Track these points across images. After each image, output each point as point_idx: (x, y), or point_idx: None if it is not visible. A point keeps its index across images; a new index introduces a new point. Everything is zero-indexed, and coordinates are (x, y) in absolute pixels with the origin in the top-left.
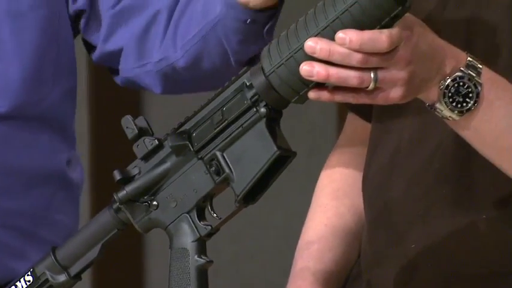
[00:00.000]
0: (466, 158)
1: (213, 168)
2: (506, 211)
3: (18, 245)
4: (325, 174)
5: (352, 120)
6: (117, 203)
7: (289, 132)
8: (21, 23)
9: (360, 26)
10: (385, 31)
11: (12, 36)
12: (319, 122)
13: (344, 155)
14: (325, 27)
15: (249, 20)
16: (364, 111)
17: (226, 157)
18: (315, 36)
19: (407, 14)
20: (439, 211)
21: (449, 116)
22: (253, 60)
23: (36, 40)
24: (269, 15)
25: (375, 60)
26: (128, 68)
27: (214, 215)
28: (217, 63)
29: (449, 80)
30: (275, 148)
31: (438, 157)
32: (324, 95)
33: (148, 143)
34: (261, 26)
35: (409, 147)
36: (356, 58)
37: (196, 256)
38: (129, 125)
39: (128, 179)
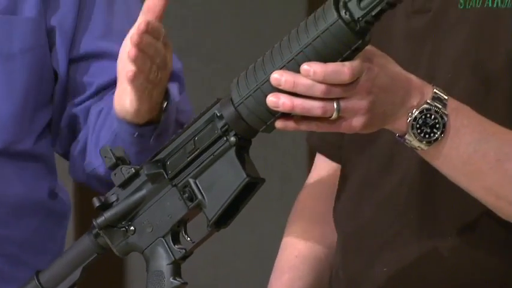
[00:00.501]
0: (432, 186)
1: (187, 195)
2: (471, 236)
3: (7, 270)
4: (297, 206)
5: (321, 161)
6: (96, 229)
7: (262, 161)
8: (12, 64)
9: (323, 58)
10: (347, 63)
11: (3, 76)
12: (291, 151)
13: (315, 189)
14: (290, 60)
15: (136, 133)
16: (332, 152)
17: (198, 184)
18: (280, 69)
19: (368, 46)
20: (407, 237)
21: (418, 146)
22: None
23: (24, 80)
24: (153, 128)
25: (337, 90)
26: (78, 176)
27: (188, 238)
28: None
29: (416, 112)
30: (244, 175)
31: (405, 185)
32: (290, 124)
33: (125, 171)
34: (149, 138)
35: (377, 176)
36: (319, 89)
37: (171, 278)
38: (107, 154)
39: (106, 206)
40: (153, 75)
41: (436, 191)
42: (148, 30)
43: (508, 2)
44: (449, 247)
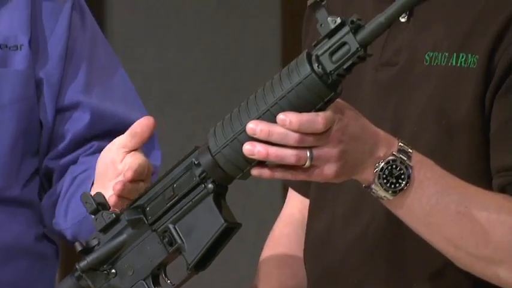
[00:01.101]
0: (398, 233)
1: (166, 239)
2: (437, 284)
3: None
4: (268, 246)
5: (293, 196)
6: (79, 272)
7: (240, 207)
8: (1, 114)
9: (297, 110)
10: (321, 114)
11: None
12: (267, 197)
13: (286, 227)
14: (265, 112)
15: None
16: (304, 188)
17: (178, 229)
18: (256, 119)
19: (338, 100)
20: (372, 282)
21: (384, 196)
22: None
23: (13, 130)
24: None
25: (310, 139)
26: (47, 223)
27: (168, 281)
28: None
29: (383, 163)
30: (222, 221)
31: (370, 232)
32: (265, 172)
33: (106, 216)
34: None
35: (343, 221)
36: (293, 138)
37: None
38: (88, 200)
39: (88, 250)
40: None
41: (402, 239)
42: (135, 178)
43: (470, 62)
44: None
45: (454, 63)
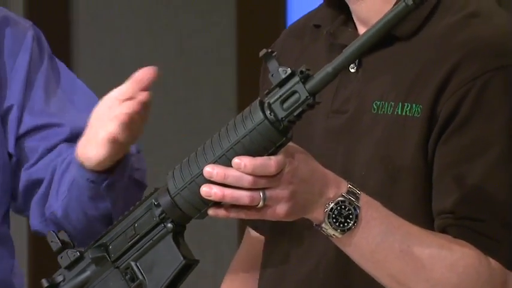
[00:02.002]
0: (347, 269)
1: (128, 276)
2: None
3: None
4: (226, 282)
5: (250, 234)
6: None
7: (197, 244)
8: None
9: (250, 154)
10: (273, 158)
11: None
12: (223, 234)
13: (243, 263)
14: (221, 156)
15: (89, 178)
16: (259, 226)
17: (139, 266)
18: (213, 163)
19: (290, 144)
20: None
21: (333, 234)
22: (106, 217)
23: None
24: (105, 177)
25: (263, 181)
26: (35, 223)
27: None
28: (80, 218)
29: (332, 204)
30: (181, 258)
31: (321, 270)
32: (221, 212)
33: (71, 254)
34: (99, 186)
35: (296, 257)
36: (247, 180)
37: None
38: (53, 239)
39: (54, 286)
40: (132, 139)
41: (350, 277)
42: (140, 109)
43: (414, 111)
44: None
45: (399, 112)
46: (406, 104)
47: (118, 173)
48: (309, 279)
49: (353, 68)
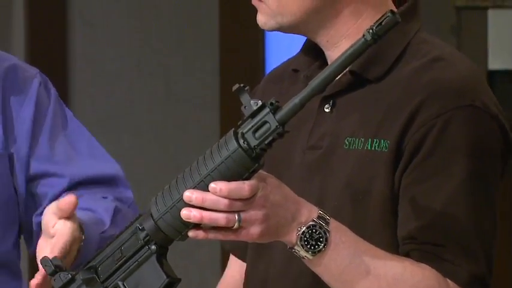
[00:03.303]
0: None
1: None
2: None
3: None
4: None
5: (234, 260)
6: None
7: (183, 271)
8: None
9: (226, 179)
10: (247, 182)
11: None
12: (206, 260)
13: (227, 287)
14: (200, 182)
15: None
16: (242, 253)
17: (126, 285)
18: (192, 188)
19: (262, 171)
20: None
21: (305, 256)
22: None
23: None
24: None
25: (238, 204)
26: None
27: None
28: None
29: (304, 228)
30: (165, 277)
31: (301, 285)
32: (200, 233)
33: (63, 277)
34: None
35: (276, 276)
36: (223, 203)
37: None
38: (47, 264)
39: None
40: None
41: None
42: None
43: (382, 146)
44: None
45: (369, 147)
46: (375, 139)
47: (80, 257)
48: None
49: (328, 108)
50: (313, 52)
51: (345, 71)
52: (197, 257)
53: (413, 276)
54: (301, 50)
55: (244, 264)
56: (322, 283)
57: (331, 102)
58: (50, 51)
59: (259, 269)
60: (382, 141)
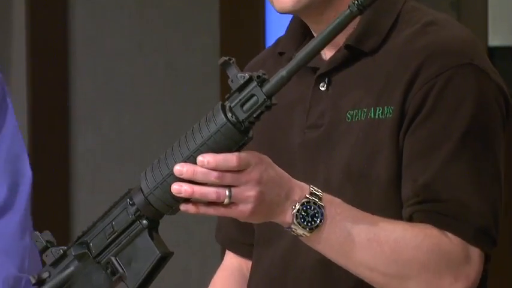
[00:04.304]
0: (330, 278)
1: (109, 270)
2: None
3: None
4: None
5: (228, 256)
6: None
7: (183, 265)
8: None
9: (215, 153)
10: (235, 153)
11: None
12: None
13: (224, 271)
14: (189, 156)
15: None
16: (236, 248)
17: (119, 260)
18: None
19: (256, 152)
20: None
21: (303, 234)
22: None
23: None
24: None
25: (229, 176)
26: None
27: None
28: None
29: (298, 205)
30: (157, 251)
31: (308, 271)
32: (191, 207)
33: (55, 252)
34: None
35: (282, 263)
36: (213, 175)
37: None
38: (37, 239)
39: (41, 282)
40: None
41: (333, 275)
42: None
43: (386, 113)
44: None
45: (372, 116)
46: (378, 107)
47: None
48: (296, 281)
49: (323, 86)
50: (299, 35)
51: (339, 48)
52: (198, 234)
53: (416, 236)
54: (285, 32)
55: (239, 259)
56: (325, 276)
57: (326, 80)
58: (50, 31)
59: (264, 257)
60: (385, 108)
